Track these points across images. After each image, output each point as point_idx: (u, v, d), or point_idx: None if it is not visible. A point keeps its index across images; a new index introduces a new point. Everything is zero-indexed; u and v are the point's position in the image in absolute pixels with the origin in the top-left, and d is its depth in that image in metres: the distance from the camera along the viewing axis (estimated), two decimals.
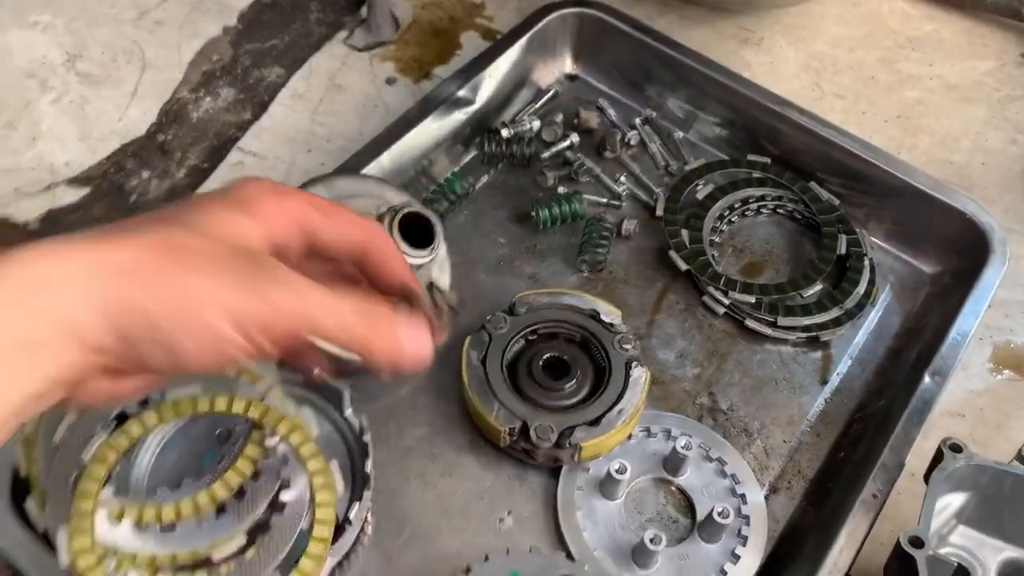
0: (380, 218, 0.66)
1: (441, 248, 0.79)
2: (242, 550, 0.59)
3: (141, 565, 0.56)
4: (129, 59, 1.00)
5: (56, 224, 0.86)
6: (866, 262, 0.86)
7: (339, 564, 0.65)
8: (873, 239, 0.90)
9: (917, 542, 0.60)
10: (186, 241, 0.39)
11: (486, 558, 0.60)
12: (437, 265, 0.80)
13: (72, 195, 0.89)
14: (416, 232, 0.67)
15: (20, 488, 0.61)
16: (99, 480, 0.59)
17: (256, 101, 0.99)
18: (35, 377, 0.36)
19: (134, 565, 0.56)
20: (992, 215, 0.84)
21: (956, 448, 0.66)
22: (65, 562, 0.54)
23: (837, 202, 0.89)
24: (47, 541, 0.59)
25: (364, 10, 1.04)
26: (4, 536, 0.60)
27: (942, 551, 0.67)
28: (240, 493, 0.60)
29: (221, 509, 0.59)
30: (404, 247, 0.66)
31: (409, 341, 0.45)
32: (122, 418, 0.62)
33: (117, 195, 0.89)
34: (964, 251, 0.85)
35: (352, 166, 0.83)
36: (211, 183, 0.91)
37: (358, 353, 0.43)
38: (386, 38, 1.04)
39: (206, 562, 0.58)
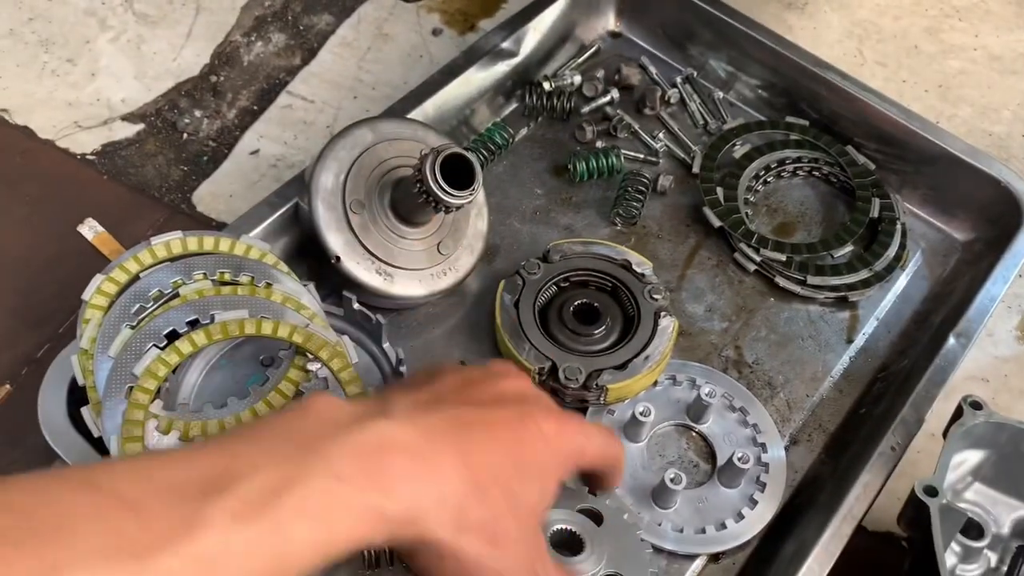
0: (423, 158, 0.69)
1: (480, 193, 0.81)
2: None
3: None
4: (184, 1, 1.03)
5: (112, 157, 0.90)
6: (898, 226, 0.87)
7: None
8: (907, 204, 0.91)
9: (931, 491, 0.62)
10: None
11: None
12: (475, 209, 0.82)
13: (127, 130, 0.92)
14: (456, 174, 0.69)
15: (78, 397, 0.65)
16: (150, 393, 0.63)
17: (306, 47, 1.01)
18: None
19: None
20: None
21: (976, 405, 0.67)
22: None
23: (873, 166, 0.90)
24: (101, 447, 0.63)
25: None
26: (61, 441, 0.64)
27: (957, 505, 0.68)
28: None
29: None
30: (445, 187, 0.68)
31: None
32: (173, 336, 0.65)
33: (170, 132, 0.93)
34: (997, 219, 0.85)
35: (399, 109, 0.85)
36: (260, 124, 0.94)
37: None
38: None
39: None
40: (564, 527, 0.63)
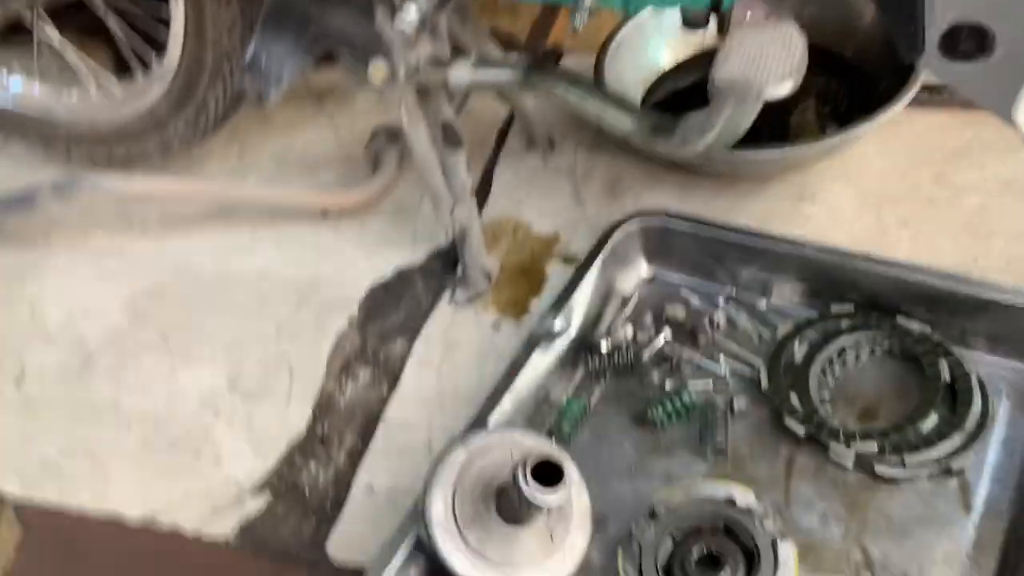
0: (514, 469, 0.76)
1: (573, 474, 0.87)
2: None
3: None
4: (278, 368, 1.16)
5: (251, 533, 1.00)
6: (974, 381, 0.89)
7: None
8: (977, 353, 0.93)
9: None
10: None
11: None
12: (575, 487, 0.88)
13: (258, 503, 1.02)
14: (548, 472, 0.76)
15: None
16: None
17: (389, 374, 1.13)
18: None
19: None
20: None
21: None
22: None
23: (929, 330, 0.94)
24: None
25: (459, 269, 1.19)
26: None
27: None
28: None
29: None
30: (540, 492, 0.75)
31: None
32: None
33: (294, 491, 1.03)
34: None
35: (482, 416, 0.94)
36: (368, 459, 1.04)
37: None
38: (482, 289, 1.18)
39: None
40: None
